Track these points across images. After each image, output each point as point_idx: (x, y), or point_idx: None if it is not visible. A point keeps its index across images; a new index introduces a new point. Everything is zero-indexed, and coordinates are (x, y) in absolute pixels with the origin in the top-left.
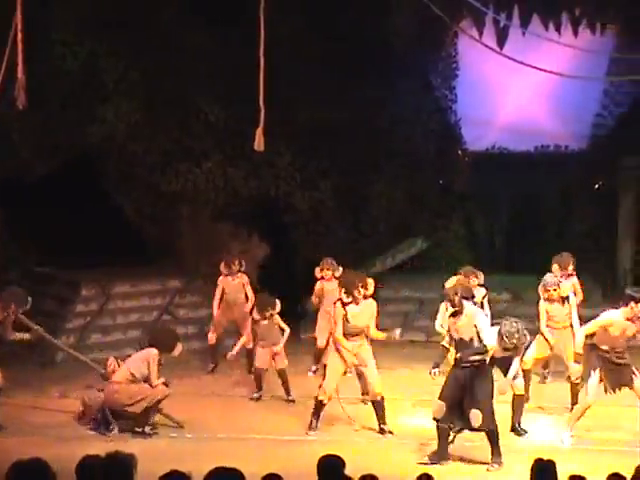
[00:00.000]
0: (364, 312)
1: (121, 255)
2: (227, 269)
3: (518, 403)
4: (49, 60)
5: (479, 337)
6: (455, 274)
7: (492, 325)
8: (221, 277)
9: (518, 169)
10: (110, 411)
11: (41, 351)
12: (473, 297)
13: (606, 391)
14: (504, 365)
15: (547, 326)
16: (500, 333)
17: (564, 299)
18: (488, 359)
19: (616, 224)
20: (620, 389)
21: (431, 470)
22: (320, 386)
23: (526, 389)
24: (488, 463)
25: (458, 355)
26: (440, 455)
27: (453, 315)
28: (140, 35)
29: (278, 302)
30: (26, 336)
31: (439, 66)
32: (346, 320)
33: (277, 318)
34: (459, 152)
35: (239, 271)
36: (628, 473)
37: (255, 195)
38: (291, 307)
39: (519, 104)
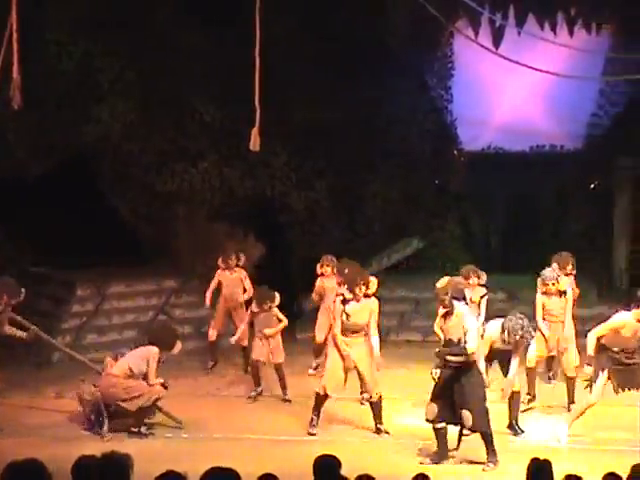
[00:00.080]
0: (364, 309)
1: (117, 255)
2: (225, 264)
3: (515, 400)
4: (44, 60)
5: (465, 338)
6: (456, 273)
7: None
8: (219, 271)
9: (514, 169)
10: (105, 406)
11: (37, 351)
12: (464, 298)
13: (615, 391)
14: (504, 360)
15: (543, 320)
16: (504, 327)
17: (561, 293)
18: (485, 354)
19: (612, 224)
20: (629, 389)
21: (428, 470)
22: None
23: (532, 388)
24: (484, 463)
25: (436, 351)
26: (440, 455)
27: (444, 316)
28: (135, 35)
29: (277, 295)
30: (22, 334)
31: (435, 66)
32: (345, 317)
33: (276, 310)
34: (455, 152)
35: (237, 265)
36: (625, 473)
37: (251, 195)
38: (287, 307)
39: (515, 104)
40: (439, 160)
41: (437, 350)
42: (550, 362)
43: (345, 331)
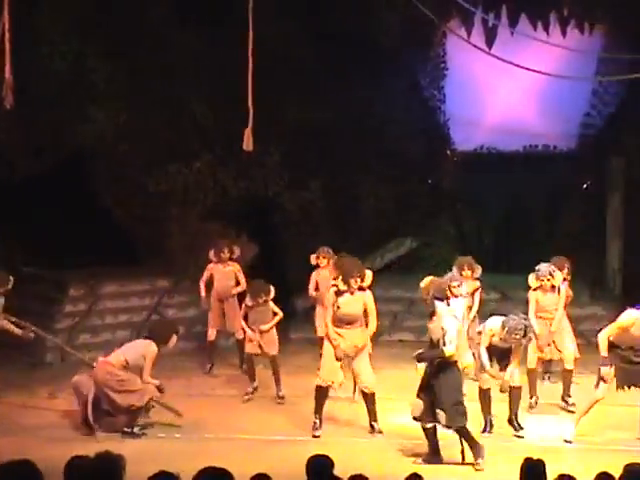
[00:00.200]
0: (357, 301)
1: (110, 255)
2: (217, 257)
3: (515, 395)
4: (37, 60)
5: (444, 339)
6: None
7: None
8: (211, 264)
9: (507, 169)
10: (97, 399)
11: (30, 352)
12: (447, 298)
13: (617, 388)
14: (502, 358)
15: (537, 317)
16: (504, 325)
17: (555, 289)
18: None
19: (604, 224)
20: (634, 387)
21: (422, 470)
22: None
23: (533, 390)
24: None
25: (415, 354)
26: (433, 455)
27: (429, 316)
28: (129, 35)
29: (272, 288)
30: (18, 331)
31: (427, 66)
32: (336, 308)
33: (271, 304)
34: (448, 152)
35: (230, 259)
36: (619, 473)
37: (244, 195)
38: (280, 307)
39: (508, 104)
40: (432, 160)
41: (416, 353)
42: (547, 363)
43: (338, 322)
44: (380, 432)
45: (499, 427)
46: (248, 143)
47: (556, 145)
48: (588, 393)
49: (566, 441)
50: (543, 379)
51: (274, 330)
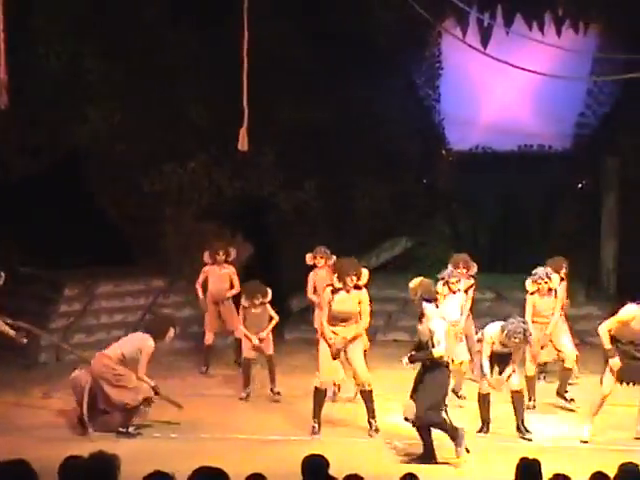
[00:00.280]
0: (352, 299)
1: (105, 255)
2: (212, 258)
3: (518, 400)
4: (33, 60)
5: (432, 341)
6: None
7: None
8: (206, 267)
9: (502, 169)
10: (93, 398)
11: (24, 353)
12: (436, 300)
13: (616, 381)
14: (502, 363)
15: (533, 322)
16: (503, 329)
17: (552, 292)
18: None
19: (599, 224)
20: (633, 384)
21: (416, 469)
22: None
23: (532, 393)
24: (478, 464)
25: (407, 356)
26: (427, 454)
27: (419, 317)
28: (124, 35)
29: (269, 290)
30: (13, 333)
31: (423, 66)
32: (331, 304)
33: (268, 306)
34: (443, 152)
35: (226, 261)
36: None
37: (239, 195)
38: (275, 307)
39: (503, 104)
40: (427, 160)
41: (408, 355)
42: (543, 364)
43: (333, 319)
44: (377, 430)
45: (498, 427)
46: (243, 143)
47: (551, 145)
48: (587, 392)
49: (583, 441)
50: (539, 379)
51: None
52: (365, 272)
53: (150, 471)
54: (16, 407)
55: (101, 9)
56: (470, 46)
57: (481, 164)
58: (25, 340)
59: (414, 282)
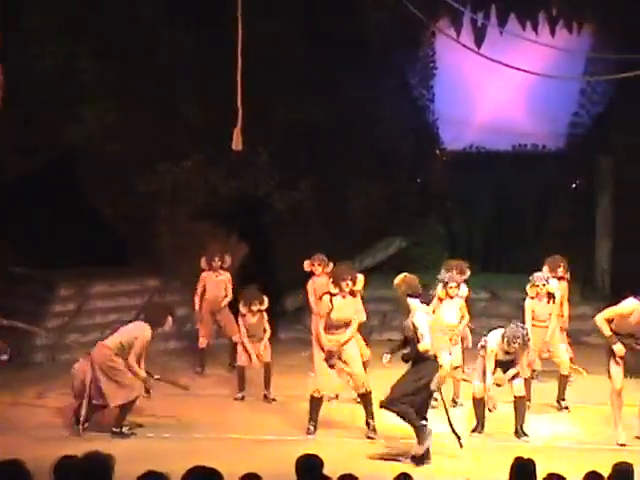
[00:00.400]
0: (349, 306)
1: (99, 255)
2: (208, 265)
3: (519, 405)
4: (27, 60)
5: (417, 336)
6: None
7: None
8: (204, 273)
9: (496, 168)
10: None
11: (20, 352)
12: (419, 295)
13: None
14: (506, 369)
15: (532, 326)
16: (503, 336)
17: (550, 296)
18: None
19: (594, 223)
20: (633, 378)
21: (410, 469)
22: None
23: (528, 394)
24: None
25: (402, 356)
26: (422, 455)
27: (406, 314)
28: (119, 35)
29: (266, 299)
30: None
31: (417, 65)
32: (328, 311)
33: (265, 315)
34: (437, 151)
35: (221, 268)
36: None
37: (234, 195)
38: (270, 306)
39: (496, 103)
40: (422, 159)
41: (402, 355)
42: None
43: (331, 328)
44: (375, 430)
45: (495, 427)
46: (237, 143)
47: (545, 144)
48: (583, 391)
49: (620, 444)
50: (532, 378)
51: (266, 337)
52: (361, 277)
53: (144, 471)
54: (11, 407)
55: (95, 9)
56: (464, 46)
57: (475, 164)
58: (6, 357)
59: (398, 278)
